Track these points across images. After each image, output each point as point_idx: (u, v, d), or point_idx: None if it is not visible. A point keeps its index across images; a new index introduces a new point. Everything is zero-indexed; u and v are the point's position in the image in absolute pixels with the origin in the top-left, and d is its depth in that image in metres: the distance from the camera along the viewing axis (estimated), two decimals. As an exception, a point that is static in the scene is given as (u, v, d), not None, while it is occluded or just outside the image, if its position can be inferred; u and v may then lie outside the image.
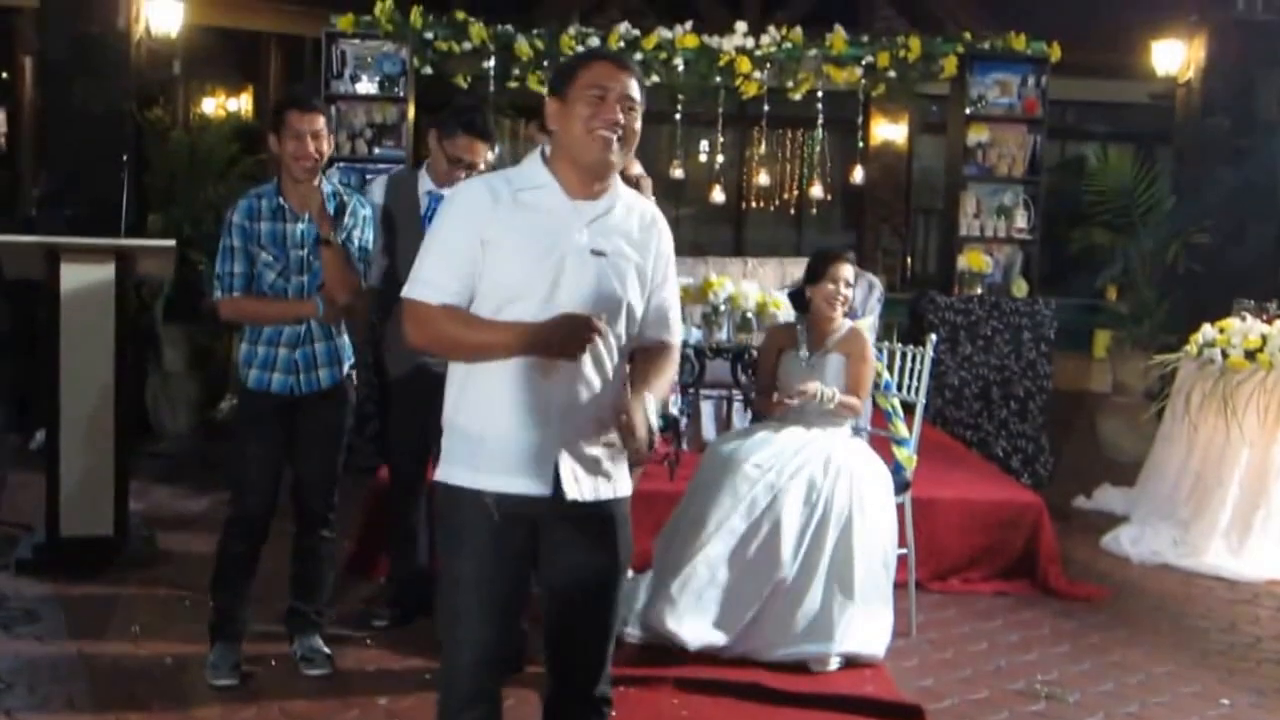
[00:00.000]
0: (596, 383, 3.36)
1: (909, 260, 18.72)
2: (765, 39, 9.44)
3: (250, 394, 5.18)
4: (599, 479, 3.41)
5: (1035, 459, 9.59)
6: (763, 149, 15.05)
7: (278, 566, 5.43)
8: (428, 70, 9.42)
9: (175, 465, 8.97)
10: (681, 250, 6.71)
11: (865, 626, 5.59)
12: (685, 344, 7.45)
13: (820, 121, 10.14)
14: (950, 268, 9.77)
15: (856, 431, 6.15)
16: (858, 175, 10.85)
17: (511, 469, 3.32)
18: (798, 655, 5.50)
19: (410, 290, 3.35)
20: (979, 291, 9.61)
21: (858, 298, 6.97)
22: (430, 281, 3.32)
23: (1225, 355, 7.78)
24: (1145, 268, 10.64)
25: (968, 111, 9.64)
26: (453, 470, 3.40)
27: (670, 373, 3.57)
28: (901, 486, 6.09)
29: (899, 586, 5.94)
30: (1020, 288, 9.66)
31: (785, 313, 7.68)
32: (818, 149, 12.78)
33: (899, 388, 6.51)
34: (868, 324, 7.50)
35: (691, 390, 7.58)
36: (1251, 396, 7.60)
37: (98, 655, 5.41)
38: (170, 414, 9.73)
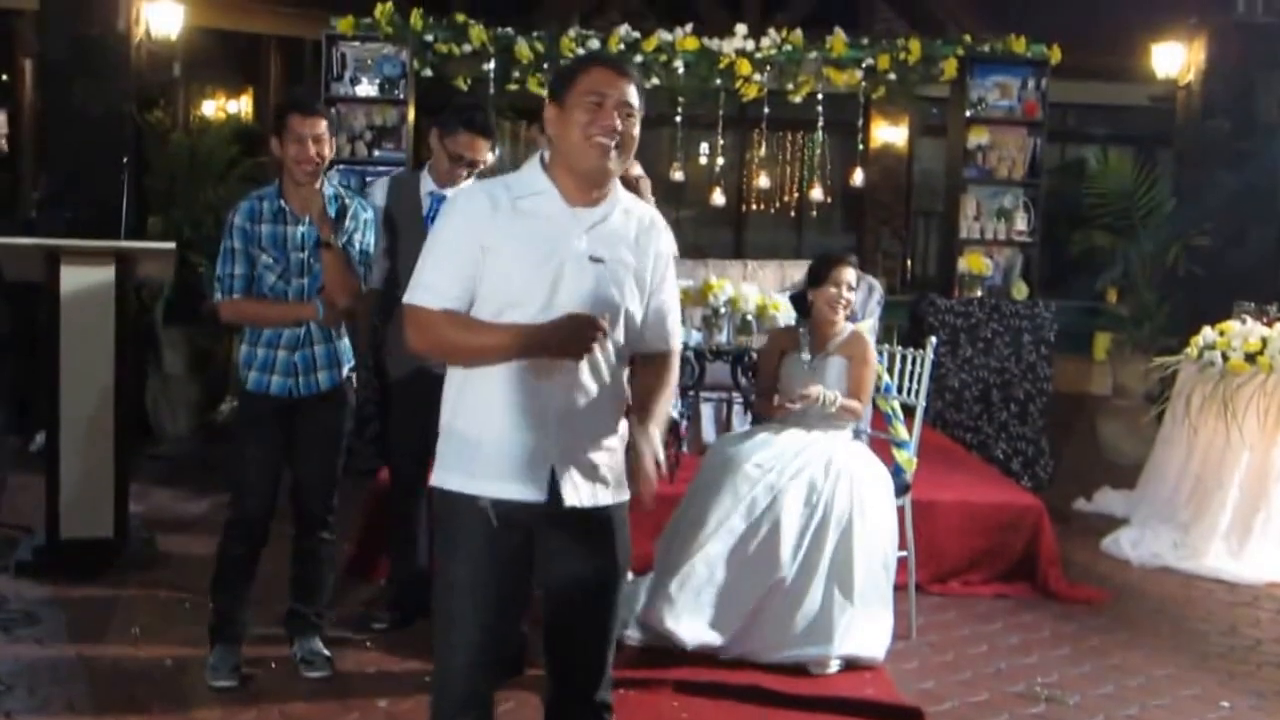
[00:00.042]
0: (594, 389, 3.36)
1: (909, 263, 18.74)
2: (765, 41, 9.44)
3: (249, 396, 5.18)
4: (596, 485, 3.41)
5: (1035, 461, 9.59)
6: (763, 151, 15.04)
7: (278, 569, 5.43)
8: (428, 73, 9.42)
9: (175, 467, 8.97)
10: (682, 252, 6.70)
11: (865, 629, 5.58)
12: (685, 346, 7.46)
13: (820, 124, 10.14)
14: (950, 270, 9.77)
15: (857, 434, 6.15)
16: (858, 178, 10.85)
17: (508, 474, 3.32)
18: (797, 657, 5.50)
19: (411, 296, 3.35)
20: (979, 294, 9.61)
21: (857, 300, 6.97)
22: (431, 287, 3.32)
23: (1225, 358, 7.78)
24: (1145, 270, 10.63)
25: (968, 114, 9.64)
26: (449, 475, 3.40)
27: (671, 389, 3.57)
28: (901, 489, 6.08)
29: (899, 589, 5.93)
30: (1020, 290, 9.66)
31: (785, 315, 7.68)
32: (818, 151, 12.75)
33: (899, 390, 6.50)
34: (868, 326, 7.50)
35: (691, 393, 7.58)
36: (1252, 399, 7.60)
37: (97, 657, 5.41)
38: (170, 416, 9.73)
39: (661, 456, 3.37)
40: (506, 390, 3.31)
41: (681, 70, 9.41)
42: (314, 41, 11.04)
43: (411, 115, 9.44)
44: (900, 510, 6.02)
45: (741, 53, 9.38)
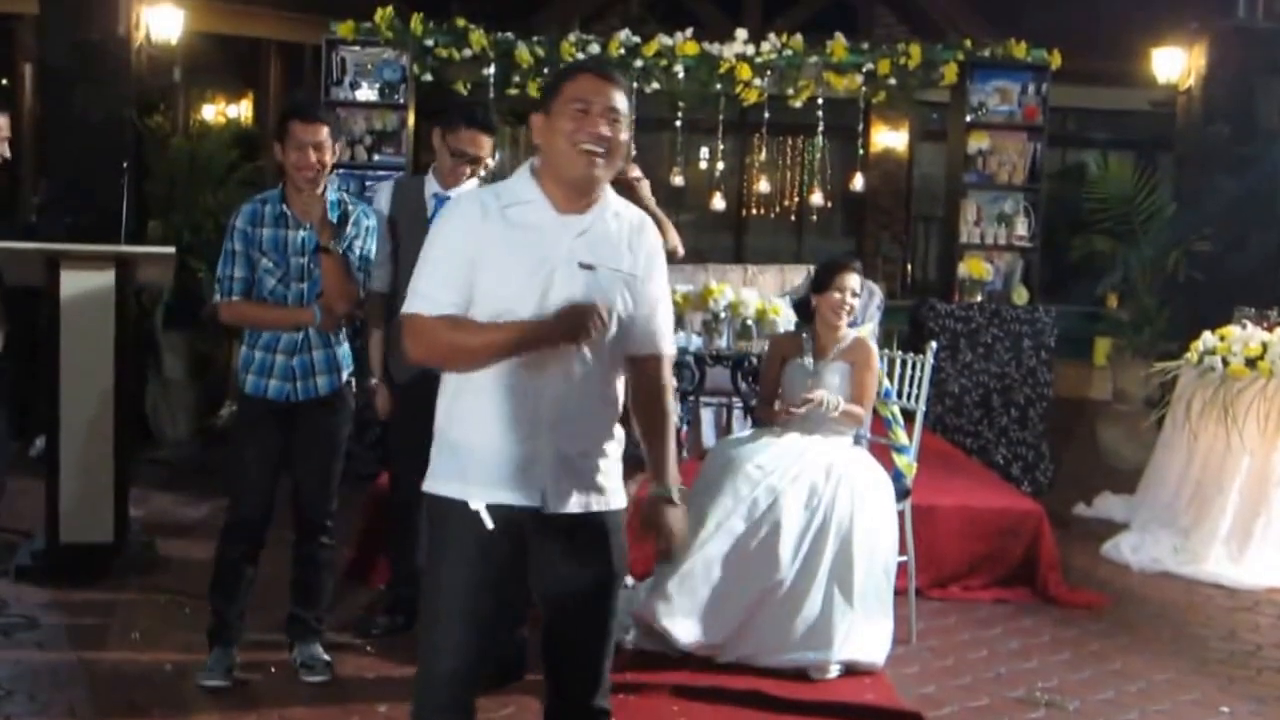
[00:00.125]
0: (587, 395, 3.36)
1: (909, 267, 18.75)
2: (766, 46, 9.43)
3: (247, 399, 5.19)
4: (590, 492, 3.40)
5: (1035, 466, 9.58)
6: (763, 156, 15.06)
7: (277, 573, 5.44)
8: (428, 77, 9.41)
9: (175, 472, 8.98)
10: (678, 260, 6.72)
11: (865, 633, 5.58)
12: (685, 351, 7.47)
13: (820, 128, 10.14)
14: (951, 275, 9.76)
15: (857, 440, 6.14)
16: (858, 182, 10.84)
17: (501, 480, 3.31)
18: (797, 662, 5.50)
19: (408, 305, 3.35)
20: (979, 299, 9.61)
21: (858, 305, 6.97)
22: (426, 295, 3.32)
23: (1226, 363, 7.78)
24: (1146, 275, 10.63)
25: (968, 119, 9.64)
26: (442, 481, 3.41)
27: (672, 419, 3.55)
28: (902, 494, 6.08)
29: (899, 593, 5.93)
30: (1021, 295, 9.65)
31: (785, 320, 7.69)
32: (818, 156, 12.79)
33: (899, 395, 6.51)
34: (868, 331, 7.50)
35: (691, 397, 7.58)
36: (1252, 404, 7.60)
37: (97, 662, 5.41)
38: (170, 421, 9.73)
39: (683, 520, 3.45)
40: (499, 397, 3.31)
41: (681, 75, 9.40)
42: (314, 46, 11.05)
43: (411, 120, 9.45)
44: (900, 515, 6.02)
45: (742, 57, 9.38)
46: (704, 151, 17.41)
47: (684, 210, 16.44)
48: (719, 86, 9.57)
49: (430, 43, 9.29)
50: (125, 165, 7.60)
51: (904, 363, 6.60)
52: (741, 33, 9.55)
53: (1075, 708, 5.44)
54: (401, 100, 9.36)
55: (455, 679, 3.38)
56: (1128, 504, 8.64)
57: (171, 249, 6.93)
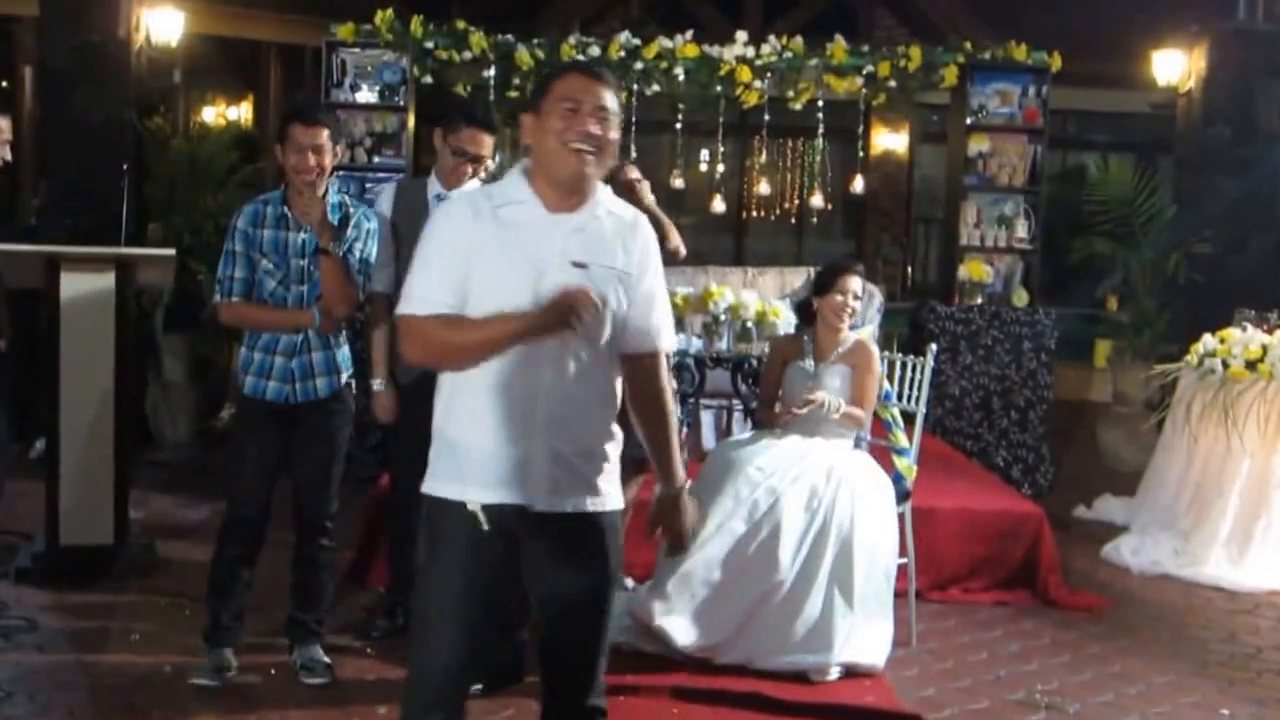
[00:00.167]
0: (583, 394, 3.36)
1: (909, 270, 18.73)
2: (766, 48, 9.43)
3: (246, 400, 5.20)
4: (585, 491, 3.40)
5: (1036, 469, 9.58)
6: (763, 158, 15.07)
7: (278, 575, 5.44)
8: (428, 79, 9.41)
9: (175, 474, 8.98)
10: (680, 261, 6.71)
11: (865, 636, 5.58)
12: (685, 353, 7.47)
13: (821, 131, 10.13)
14: (951, 277, 9.76)
15: (857, 443, 6.14)
16: (858, 185, 10.83)
17: (495, 480, 3.32)
18: (797, 664, 5.49)
19: (402, 308, 3.36)
20: (979, 301, 9.61)
21: (859, 308, 6.96)
22: (422, 297, 3.33)
23: (1226, 365, 7.78)
24: (1146, 277, 10.63)
25: (968, 121, 9.64)
26: (440, 482, 3.43)
27: (674, 410, 3.56)
28: (902, 496, 6.08)
29: (899, 596, 5.93)
30: (1021, 297, 9.65)
31: (785, 322, 7.69)
32: (818, 158, 12.79)
33: (899, 397, 6.50)
34: (868, 334, 7.50)
35: (692, 400, 7.57)
36: (1252, 407, 7.60)
37: (97, 664, 5.41)
38: (170, 423, 9.73)
39: (694, 512, 3.50)
40: (495, 396, 3.31)
41: (682, 77, 9.40)
42: (314, 48, 11.05)
43: (411, 122, 9.44)
44: (900, 517, 6.02)
45: (742, 60, 9.37)
46: (704, 154, 17.39)
47: (684, 213, 16.43)
48: (719, 89, 9.57)
49: (430, 45, 9.29)
50: (125, 167, 7.59)
51: (904, 365, 6.60)
52: (742, 35, 9.55)
53: (1075, 710, 5.44)
54: (401, 102, 9.36)
55: (446, 678, 3.39)
56: (1128, 506, 8.64)
57: (172, 251, 6.93)
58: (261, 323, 5.15)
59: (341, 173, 8.97)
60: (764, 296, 8.10)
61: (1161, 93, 12.31)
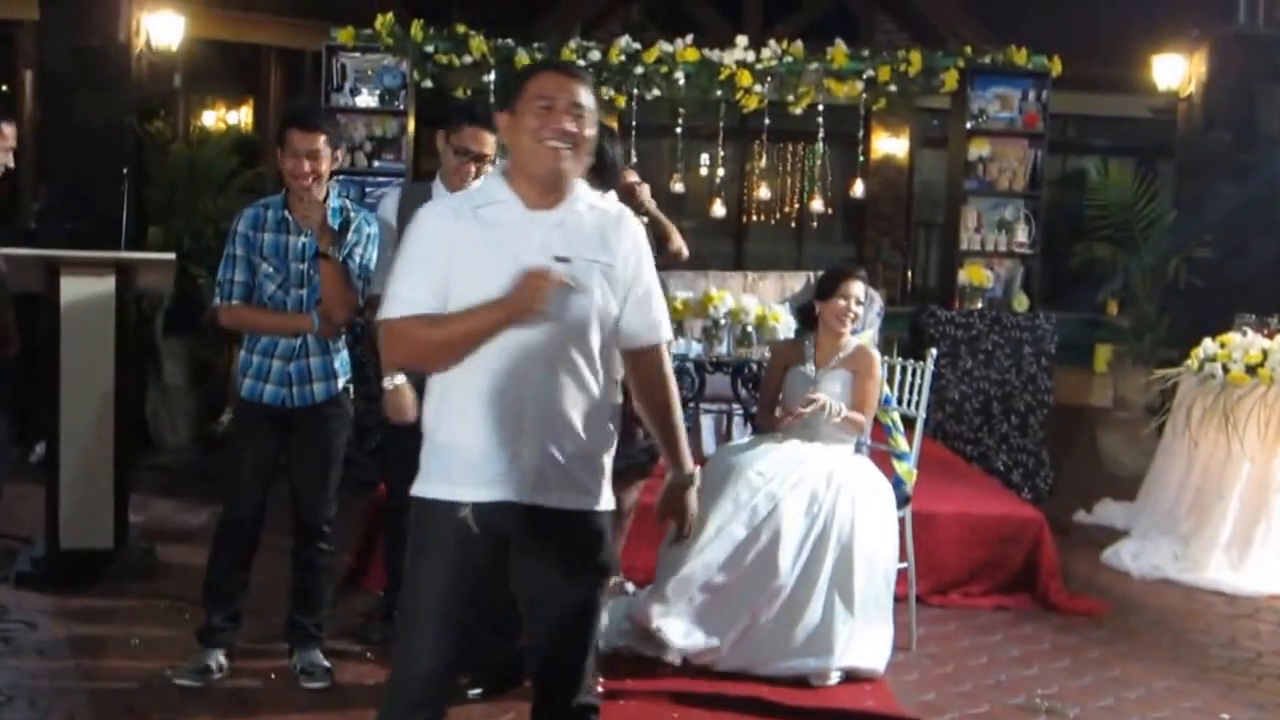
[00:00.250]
0: (573, 392, 3.36)
1: (909, 274, 18.73)
2: (766, 53, 9.43)
3: (244, 403, 5.22)
4: (574, 491, 3.40)
5: (1036, 473, 9.58)
6: (763, 162, 15.07)
7: (276, 580, 5.44)
8: (428, 83, 9.42)
9: (175, 478, 8.97)
10: (682, 264, 6.72)
11: (866, 640, 5.58)
12: (685, 358, 7.47)
13: (821, 135, 10.14)
14: (951, 282, 9.76)
15: (858, 448, 6.14)
16: (858, 189, 10.83)
17: (484, 480, 3.33)
18: (797, 669, 5.49)
19: (385, 311, 3.37)
20: (980, 306, 9.61)
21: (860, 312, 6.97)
22: (402, 298, 3.34)
23: (1226, 370, 7.78)
24: (1146, 282, 10.63)
25: (968, 125, 9.64)
26: (430, 484, 3.43)
27: (676, 402, 3.58)
28: (902, 501, 6.08)
29: (899, 600, 5.93)
30: (1021, 302, 9.66)
31: (785, 326, 7.69)
32: (818, 163, 12.79)
33: (899, 402, 6.50)
34: (868, 338, 7.50)
35: (692, 404, 7.57)
36: (1252, 411, 7.60)
37: (97, 668, 5.41)
38: (170, 427, 9.73)
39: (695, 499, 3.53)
40: (484, 395, 3.32)
41: (682, 81, 9.40)
42: (314, 52, 11.05)
43: (412, 126, 9.44)
44: (901, 522, 6.01)
45: (742, 64, 9.37)
46: (704, 158, 17.42)
47: (684, 217, 16.42)
48: (719, 93, 9.56)
49: (430, 49, 9.29)
50: (125, 171, 7.62)
51: (904, 369, 6.60)
52: (742, 39, 9.55)
53: (1075, 715, 5.43)
54: (402, 106, 9.36)
55: (431, 679, 3.40)
56: (1128, 511, 8.63)
57: (171, 255, 6.95)
58: (261, 326, 5.15)
59: (341, 177, 8.96)
60: (764, 301, 8.09)
61: (1162, 97, 12.29)
